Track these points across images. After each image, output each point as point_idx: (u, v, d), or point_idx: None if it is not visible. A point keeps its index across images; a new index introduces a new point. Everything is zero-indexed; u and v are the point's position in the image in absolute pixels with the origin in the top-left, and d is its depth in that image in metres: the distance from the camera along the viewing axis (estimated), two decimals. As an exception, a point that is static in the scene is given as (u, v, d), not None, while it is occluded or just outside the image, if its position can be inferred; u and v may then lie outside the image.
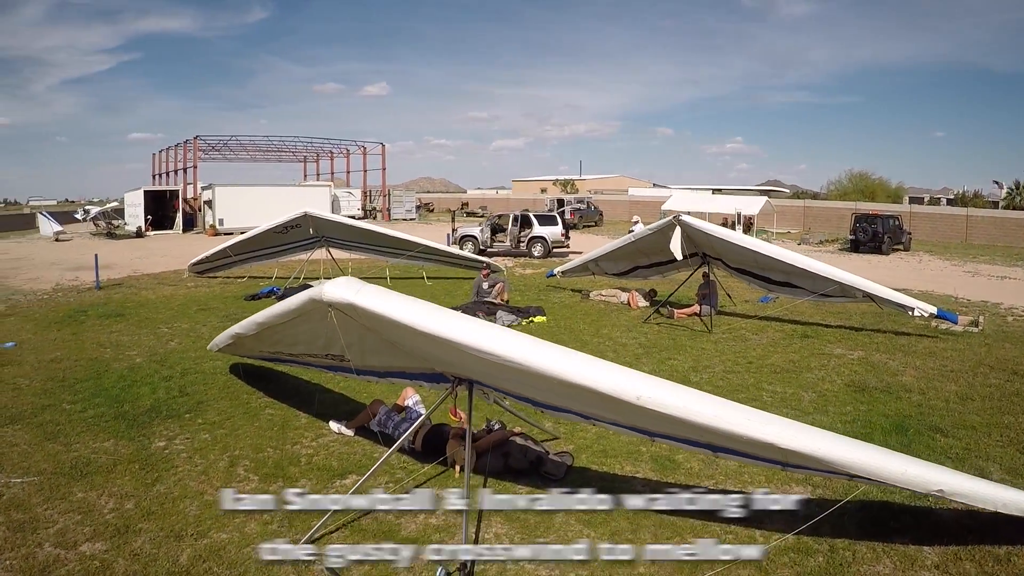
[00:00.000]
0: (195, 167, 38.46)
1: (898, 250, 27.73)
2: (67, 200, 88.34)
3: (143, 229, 32.51)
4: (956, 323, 10.97)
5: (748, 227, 32.79)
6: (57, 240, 29.46)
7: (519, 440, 5.74)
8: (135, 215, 33.89)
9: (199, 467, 5.82)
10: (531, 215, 24.17)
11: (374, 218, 45.54)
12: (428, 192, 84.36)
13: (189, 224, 35.21)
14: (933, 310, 10.39)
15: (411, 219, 44.51)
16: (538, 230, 23.56)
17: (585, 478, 5.49)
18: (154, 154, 49.58)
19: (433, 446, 5.84)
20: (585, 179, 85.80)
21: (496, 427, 6.04)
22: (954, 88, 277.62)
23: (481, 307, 12.39)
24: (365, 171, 50.24)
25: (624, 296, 13.95)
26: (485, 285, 13.64)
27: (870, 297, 10.82)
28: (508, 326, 11.44)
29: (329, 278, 15.22)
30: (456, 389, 4.85)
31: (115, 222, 33.05)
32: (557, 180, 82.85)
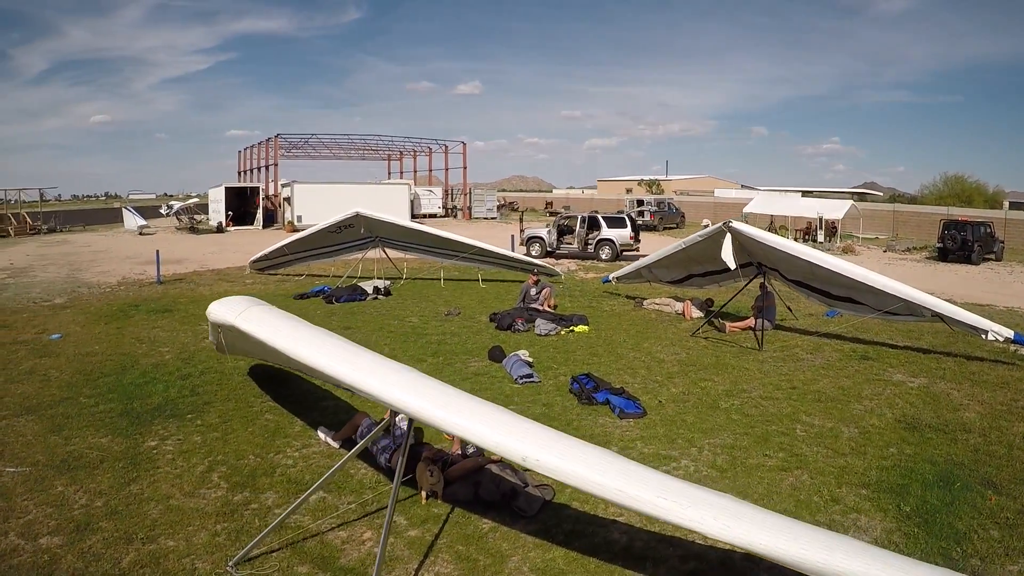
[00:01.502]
0: (276, 164, 39.97)
1: (989, 260, 25.23)
2: (165, 194, 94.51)
3: (224, 224, 34.00)
4: None
5: (832, 232, 30.79)
6: (141, 234, 31.14)
7: (495, 469, 5.29)
8: (217, 211, 35.51)
9: (177, 470, 5.74)
10: (599, 217, 23.43)
11: (455, 216, 45.94)
12: (520, 191, 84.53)
13: (270, 220, 36.57)
14: (1010, 334, 9.10)
15: (492, 218, 44.35)
16: (606, 232, 22.83)
17: (559, 517, 4.99)
18: (240, 151, 52.06)
19: (411, 467, 5.49)
20: (671, 179, 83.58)
21: (471, 451, 5.62)
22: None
23: (522, 313, 11.97)
24: (447, 169, 50.63)
25: (679, 305, 13.17)
26: (533, 291, 13.21)
27: (939, 317, 9.62)
28: (545, 335, 11.00)
29: (382, 278, 15.54)
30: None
31: (197, 217, 34.62)
32: (642, 180, 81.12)
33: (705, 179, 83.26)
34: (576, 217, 23.93)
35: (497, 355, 9.32)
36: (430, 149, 51.00)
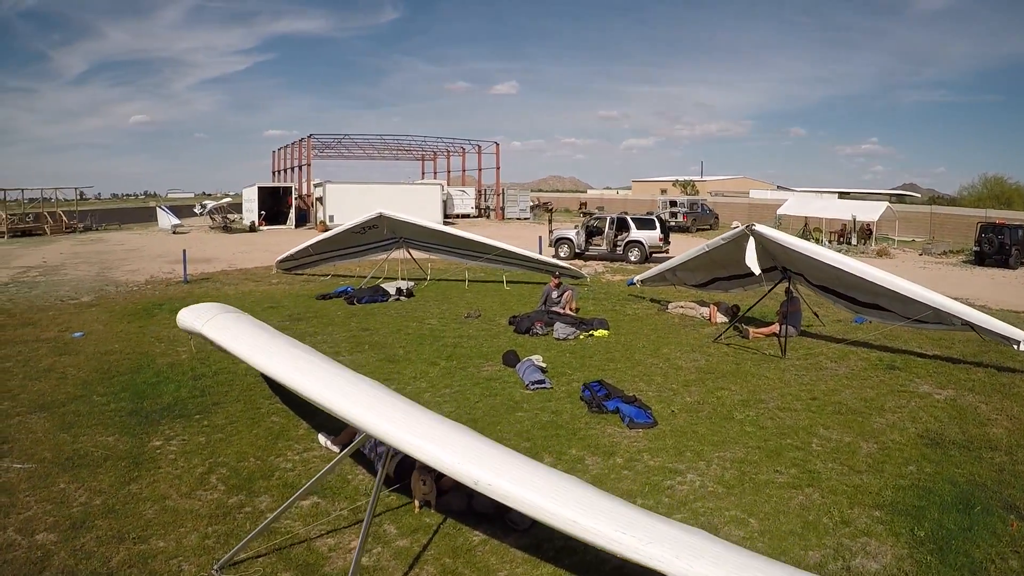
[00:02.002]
0: (308, 165, 40.52)
1: (1028, 264, 24.17)
2: (203, 193, 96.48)
3: (256, 224, 34.53)
4: None
5: (867, 234, 29.91)
6: (174, 233, 31.80)
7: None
8: (250, 210, 36.08)
9: (177, 471, 5.76)
10: (628, 218, 23.11)
11: (488, 217, 45.99)
12: (557, 191, 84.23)
13: (302, 220, 37.06)
14: None
15: (525, 219, 44.23)
16: (635, 234, 22.51)
17: (552, 532, 4.78)
18: (274, 151, 52.89)
19: (406, 475, 5.40)
20: (706, 180, 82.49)
21: None
22: None
23: (542, 316, 11.82)
24: (480, 169, 50.67)
25: (704, 310, 12.88)
26: (554, 294, 13.05)
27: (969, 326, 9.17)
28: (563, 339, 10.84)
29: (405, 279, 15.54)
30: None
31: (230, 216, 35.18)
32: (677, 181, 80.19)
33: (740, 180, 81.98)
34: (605, 218, 23.66)
35: (511, 360, 9.19)
36: (463, 149, 51.07)
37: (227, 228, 34.05)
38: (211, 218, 35.45)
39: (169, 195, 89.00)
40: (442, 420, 2.70)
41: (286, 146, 47.52)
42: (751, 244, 10.09)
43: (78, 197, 41.50)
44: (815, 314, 12.05)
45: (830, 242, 30.51)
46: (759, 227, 10.25)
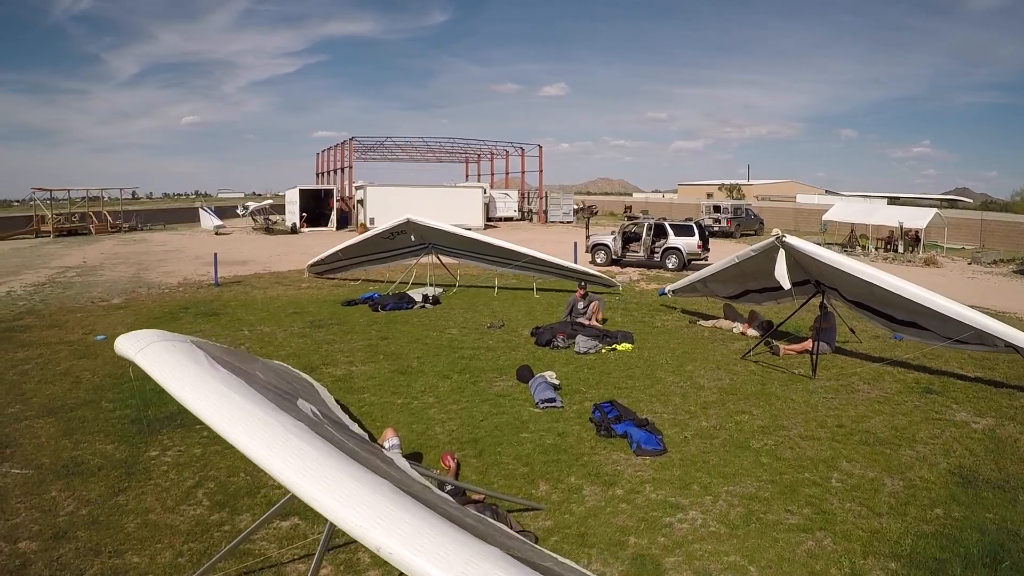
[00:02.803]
0: (350, 167, 41.07)
1: (1083, 274, 22.68)
2: (254, 193, 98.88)
3: (298, 226, 35.08)
4: None
5: (915, 242, 28.57)
6: (217, 234, 32.46)
7: (472, 510, 4.90)
8: (292, 212, 36.70)
9: (167, 483, 5.71)
10: (666, 224, 22.55)
11: (530, 220, 45.88)
12: (606, 193, 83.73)
13: (344, 222, 37.52)
14: None
15: (568, 222, 43.93)
16: (673, 240, 21.96)
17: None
18: (318, 153, 53.85)
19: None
20: (752, 184, 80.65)
21: (448, 490, 5.23)
22: None
23: (565, 328, 11.50)
24: (524, 172, 50.64)
25: (738, 324, 12.39)
26: (580, 304, 12.71)
27: (1014, 348, 8.50)
28: (584, 352, 10.50)
29: (435, 285, 15.42)
30: None
31: (272, 218, 35.77)
32: (723, 184, 78.59)
33: (787, 184, 79.91)
34: (643, 224, 23.15)
35: (525, 375, 8.91)
36: (507, 152, 51.01)
37: (269, 230, 34.67)
38: (253, 219, 36.14)
39: (219, 195, 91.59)
40: (366, 474, 2.43)
41: (330, 148, 48.36)
42: (781, 256, 9.60)
43: (123, 197, 42.29)
44: (851, 330, 11.43)
45: (876, 249, 29.33)
46: (790, 239, 9.73)
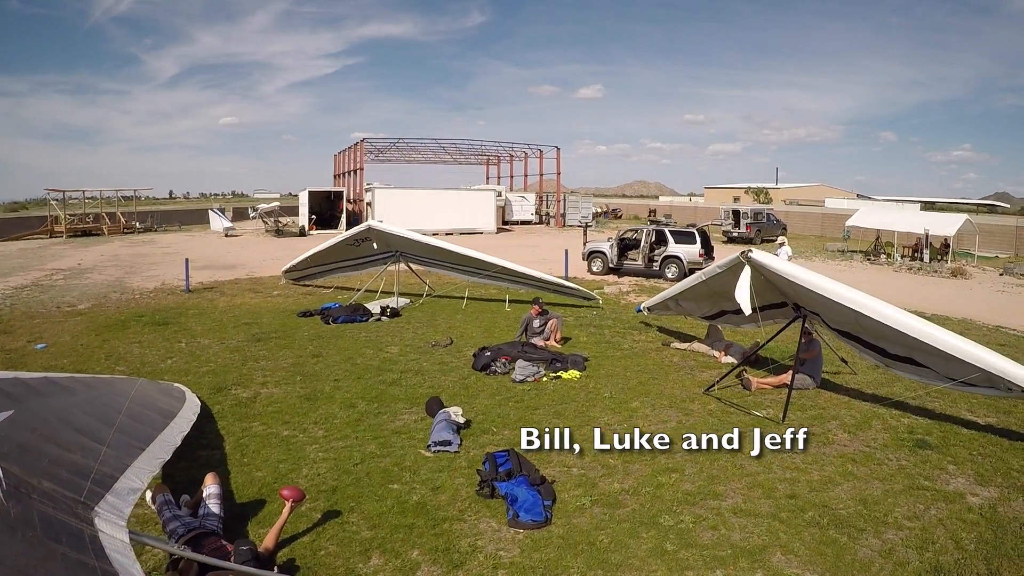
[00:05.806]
0: (361, 169, 40.39)
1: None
2: (290, 194, 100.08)
3: (307, 228, 34.55)
4: None
5: (944, 250, 26.28)
6: (226, 236, 32.10)
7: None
8: (303, 214, 36.20)
9: None
10: (666, 231, 21.10)
11: (547, 224, 44.71)
12: (641, 196, 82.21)
13: (354, 224, 36.83)
14: None
15: (588, 226, 42.52)
16: (672, 248, 20.49)
17: None
18: (335, 155, 53.37)
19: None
20: (780, 188, 77.90)
21: (244, 548, 4.26)
22: None
23: (510, 350, 10.18)
24: (541, 175, 49.41)
25: (715, 349, 11.00)
26: (536, 323, 11.45)
27: (1030, 397, 6.92)
28: (522, 380, 9.21)
29: (403, 295, 14.37)
30: None
31: (281, 220, 35.33)
32: (749, 188, 76.02)
33: (817, 187, 77.07)
34: (641, 230, 21.73)
35: (432, 408, 7.73)
36: (525, 154, 49.82)
37: (279, 232, 34.23)
38: (263, 221, 35.82)
39: (256, 195, 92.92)
40: None
41: (345, 150, 47.85)
42: (745, 275, 8.18)
43: (136, 197, 41.56)
44: (843, 361, 9.90)
45: (902, 257, 27.16)
46: (758, 255, 8.31)
